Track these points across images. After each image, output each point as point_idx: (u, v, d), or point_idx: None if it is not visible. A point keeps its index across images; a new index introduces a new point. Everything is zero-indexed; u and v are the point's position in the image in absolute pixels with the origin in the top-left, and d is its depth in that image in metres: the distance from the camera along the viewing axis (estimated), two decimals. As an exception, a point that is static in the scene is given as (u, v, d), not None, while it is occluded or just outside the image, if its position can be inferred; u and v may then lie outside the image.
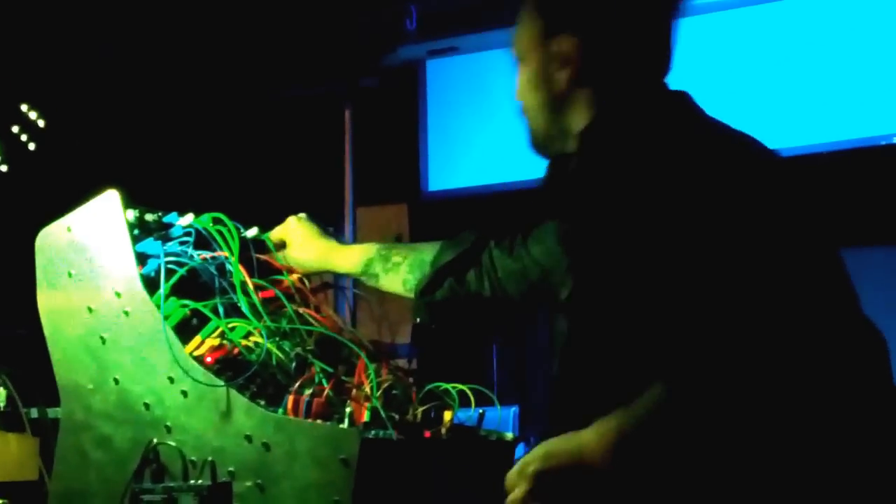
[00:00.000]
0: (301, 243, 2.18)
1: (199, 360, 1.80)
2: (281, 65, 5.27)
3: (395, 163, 5.74)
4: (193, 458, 1.78)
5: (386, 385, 1.92)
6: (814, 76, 4.93)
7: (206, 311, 1.87)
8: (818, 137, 4.86)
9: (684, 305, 1.52)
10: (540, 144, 1.83)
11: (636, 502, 1.54)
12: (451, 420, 1.95)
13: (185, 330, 1.86)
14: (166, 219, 2.00)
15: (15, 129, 5.08)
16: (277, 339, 1.91)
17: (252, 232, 2.10)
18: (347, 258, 2.20)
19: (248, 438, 1.74)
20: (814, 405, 1.46)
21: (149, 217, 1.97)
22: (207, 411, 1.78)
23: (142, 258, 1.90)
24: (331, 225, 2.25)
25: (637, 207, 1.57)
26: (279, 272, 2.11)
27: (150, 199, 2.00)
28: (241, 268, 1.94)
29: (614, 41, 1.71)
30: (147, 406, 1.82)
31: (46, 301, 1.93)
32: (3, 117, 5.04)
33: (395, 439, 1.76)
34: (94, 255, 1.90)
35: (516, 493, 1.55)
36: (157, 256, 1.90)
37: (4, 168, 5.13)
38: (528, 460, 1.56)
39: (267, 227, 2.18)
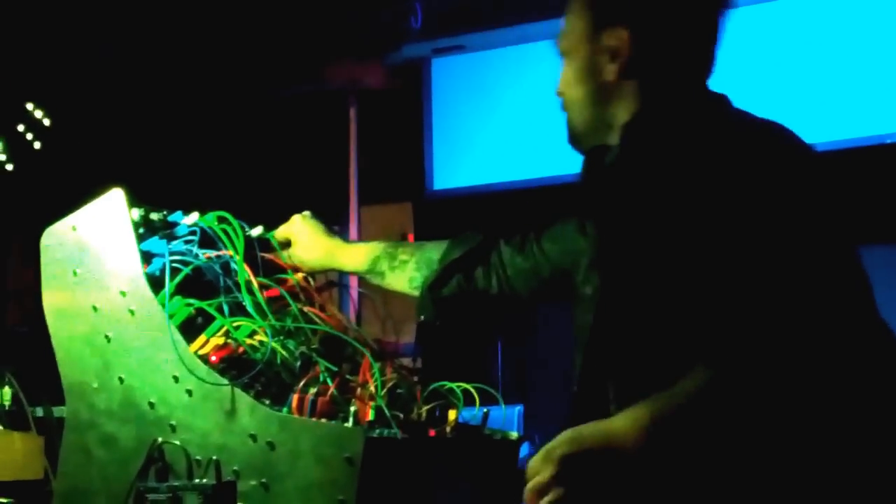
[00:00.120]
0: (306, 242, 2.19)
1: (204, 358, 1.80)
2: (286, 63, 5.28)
3: (399, 161, 5.74)
4: (198, 456, 1.78)
5: (390, 384, 1.92)
6: (818, 74, 4.92)
7: (211, 310, 1.87)
8: (821, 136, 4.85)
9: (724, 296, 1.54)
10: (579, 138, 1.84)
11: (665, 488, 1.54)
12: (456, 419, 1.95)
13: (190, 329, 1.85)
14: (171, 218, 2.00)
15: (20, 127, 5.09)
16: (282, 337, 1.90)
17: (257, 231, 2.10)
18: (353, 256, 2.20)
19: (253, 437, 1.74)
20: (847, 397, 1.49)
21: (154, 216, 1.97)
22: (212, 410, 1.78)
23: (147, 257, 1.90)
24: (335, 223, 2.25)
25: (678, 199, 1.61)
26: (284, 271, 2.11)
27: (154, 197, 2.00)
28: (245, 266, 1.94)
29: (664, 35, 1.74)
30: (152, 405, 1.82)
31: (51, 300, 1.93)
32: (9, 116, 5.05)
33: (399, 438, 1.76)
34: (99, 254, 1.90)
35: (539, 477, 1.52)
36: (162, 255, 1.90)
37: (10, 167, 5.14)
38: (555, 445, 1.53)
39: (272, 225, 2.18)
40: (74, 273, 1.91)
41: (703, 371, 1.51)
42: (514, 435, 2.09)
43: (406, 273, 2.16)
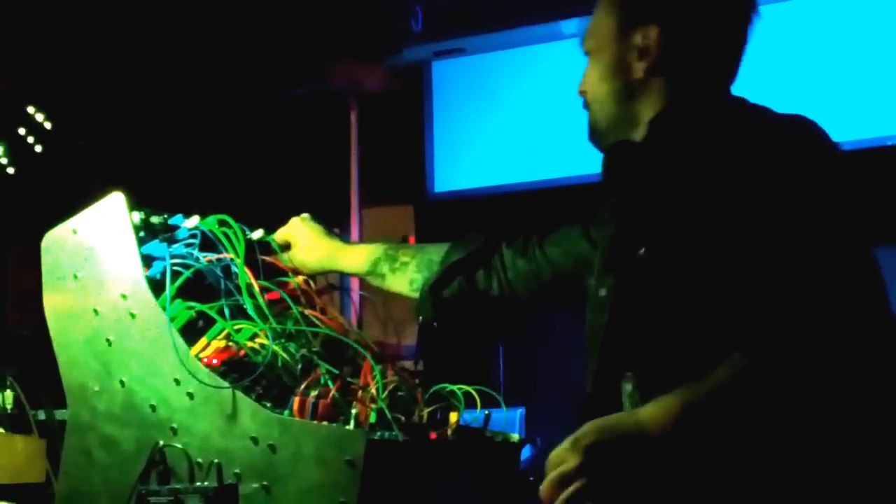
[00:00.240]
0: (306, 244, 2.19)
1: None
2: (287, 65, 5.28)
3: (400, 164, 5.73)
4: (199, 459, 1.78)
5: (392, 386, 1.92)
6: (818, 75, 4.92)
7: (212, 313, 1.87)
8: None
9: (760, 286, 1.54)
10: (601, 134, 1.85)
11: (695, 479, 1.53)
12: (457, 421, 1.95)
13: (191, 332, 1.86)
14: (172, 221, 2.00)
15: (21, 131, 5.09)
16: (283, 340, 1.91)
17: (258, 233, 2.10)
18: (354, 258, 2.20)
19: (254, 440, 1.74)
20: (882, 389, 1.50)
21: (154, 219, 1.97)
22: (213, 413, 1.78)
23: (147, 260, 1.90)
24: (336, 226, 2.26)
25: (707, 192, 1.63)
26: (285, 274, 2.11)
27: (155, 201, 2.00)
28: (246, 269, 1.94)
29: (694, 34, 1.77)
30: (153, 408, 1.82)
31: (52, 303, 1.93)
32: (10, 120, 5.05)
33: (400, 441, 1.76)
34: (99, 258, 1.90)
35: (564, 466, 1.49)
36: (163, 258, 1.90)
37: (11, 170, 5.14)
38: (581, 434, 1.51)
39: (273, 228, 2.18)
40: (75, 276, 1.91)
41: (739, 359, 1.50)
42: (516, 437, 2.08)
43: (407, 275, 2.17)
